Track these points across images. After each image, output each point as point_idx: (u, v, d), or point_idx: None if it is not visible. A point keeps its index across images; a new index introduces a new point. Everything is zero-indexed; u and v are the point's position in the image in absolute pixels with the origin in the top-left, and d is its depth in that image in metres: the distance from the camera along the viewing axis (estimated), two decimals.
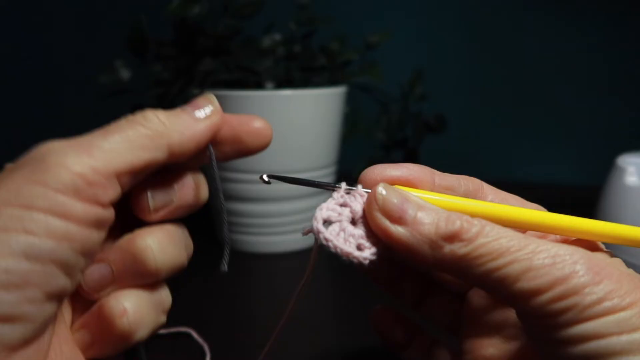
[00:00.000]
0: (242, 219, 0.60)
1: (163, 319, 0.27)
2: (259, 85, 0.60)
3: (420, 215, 0.23)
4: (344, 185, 0.25)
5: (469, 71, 0.91)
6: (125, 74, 0.61)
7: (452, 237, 0.22)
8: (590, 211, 0.53)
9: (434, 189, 0.26)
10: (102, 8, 0.91)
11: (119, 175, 0.22)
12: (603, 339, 0.20)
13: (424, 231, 0.23)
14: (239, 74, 0.60)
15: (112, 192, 0.22)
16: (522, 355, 0.26)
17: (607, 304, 0.20)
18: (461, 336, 0.28)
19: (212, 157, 0.26)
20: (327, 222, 0.24)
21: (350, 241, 0.24)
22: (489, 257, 0.22)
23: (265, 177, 0.25)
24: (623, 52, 0.85)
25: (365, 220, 0.24)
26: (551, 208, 0.27)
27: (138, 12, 0.57)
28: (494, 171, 0.89)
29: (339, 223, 0.24)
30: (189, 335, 0.43)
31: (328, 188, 0.25)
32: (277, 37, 0.63)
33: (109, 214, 0.22)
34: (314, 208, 0.25)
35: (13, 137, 0.83)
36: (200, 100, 0.26)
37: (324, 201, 0.25)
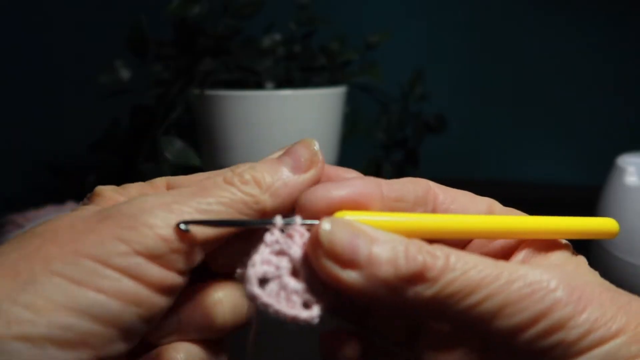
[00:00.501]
0: None
1: None
2: (259, 85, 0.60)
3: (376, 251, 0.20)
4: (278, 221, 0.21)
5: (469, 71, 0.91)
6: (125, 74, 0.61)
7: (414, 279, 0.19)
8: (590, 211, 0.53)
9: (383, 202, 0.23)
10: (102, 8, 0.91)
11: (204, 243, 0.21)
12: None
13: (381, 275, 0.19)
14: (239, 74, 0.60)
15: (194, 260, 0.21)
16: None
17: (594, 336, 0.19)
18: (417, 350, 0.25)
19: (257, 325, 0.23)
20: (264, 280, 0.20)
21: (293, 300, 0.20)
22: (459, 295, 0.19)
23: (182, 227, 0.20)
24: (623, 52, 0.85)
25: (306, 264, 0.21)
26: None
27: (138, 12, 0.57)
28: (494, 171, 0.89)
29: (277, 280, 0.20)
30: None
31: (258, 226, 0.21)
32: (277, 37, 0.63)
33: (184, 281, 0.21)
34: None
35: (13, 137, 0.83)
36: (299, 146, 0.24)
37: (256, 250, 0.21)
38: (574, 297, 0.20)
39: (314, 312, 0.20)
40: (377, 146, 0.75)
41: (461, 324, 0.20)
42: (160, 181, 0.25)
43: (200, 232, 0.20)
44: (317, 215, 0.21)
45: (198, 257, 0.21)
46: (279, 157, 0.24)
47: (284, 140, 0.58)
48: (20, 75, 0.91)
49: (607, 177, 0.53)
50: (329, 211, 0.22)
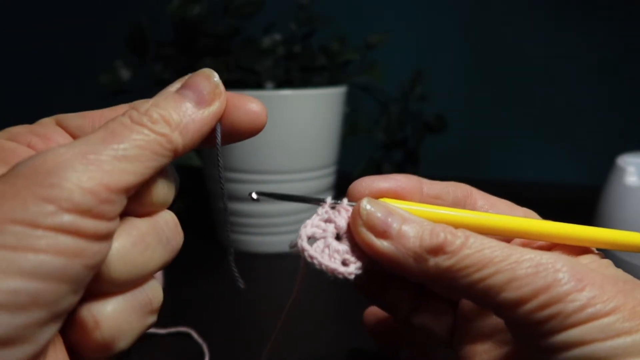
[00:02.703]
0: (242, 219, 0.60)
1: (151, 319, 0.24)
2: (259, 85, 0.60)
3: (405, 228, 0.23)
4: (329, 200, 0.25)
5: (469, 71, 0.91)
6: (125, 74, 0.61)
7: (436, 250, 0.22)
8: (590, 211, 0.53)
9: (422, 198, 0.26)
10: (102, 8, 0.91)
11: (128, 189, 0.21)
12: (587, 345, 0.20)
13: (408, 245, 0.23)
14: (239, 74, 0.60)
15: (121, 205, 0.21)
16: None
17: (590, 311, 0.20)
18: (455, 345, 0.29)
19: (218, 142, 0.24)
20: (312, 239, 0.24)
21: (335, 257, 0.24)
22: (473, 269, 0.22)
23: (254, 195, 0.25)
24: (624, 52, 0.85)
25: (350, 235, 0.25)
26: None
27: (138, 12, 0.57)
28: (494, 171, 0.89)
29: (323, 240, 0.24)
30: (188, 335, 0.43)
31: (313, 203, 0.26)
32: (277, 37, 0.63)
33: (116, 224, 0.21)
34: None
35: None
36: (199, 79, 0.23)
37: (309, 218, 0.25)
38: (576, 278, 0.21)
39: (350, 269, 0.24)
40: (377, 146, 0.75)
41: (471, 295, 0.23)
42: (48, 119, 0.24)
43: (124, 179, 0.20)
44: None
45: (124, 202, 0.21)
46: (180, 91, 0.23)
47: (283, 140, 0.58)
48: (21, 76, 0.91)
49: (607, 177, 0.53)
50: (373, 197, 0.25)
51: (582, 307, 0.20)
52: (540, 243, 0.26)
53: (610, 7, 0.84)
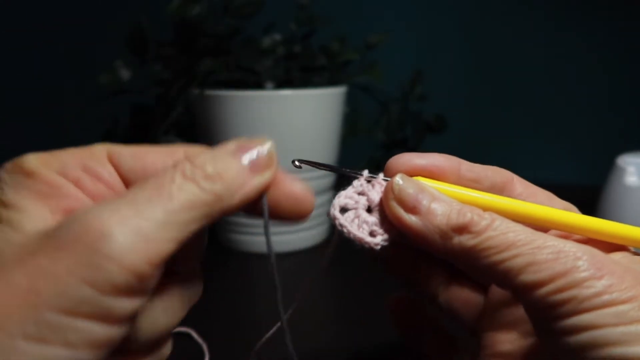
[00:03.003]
0: (242, 219, 0.60)
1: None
2: (259, 85, 0.60)
3: (434, 206, 0.24)
4: (365, 173, 0.26)
5: (469, 71, 0.91)
6: (125, 74, 0.61)
7: (461, 229, 0.23)
8: (590, 211, 0.53)
9: (459, 180, 0.26)
10: (102, 8, 0.91)
11: (168, 258, 0.20)
12: (599, 329, 0.20)
13: (435, 221, 0.23)
14: (239, 74, 0.60)
15: (158, 276, 0.20)
16: (538, 352, 0.26)
17: (605, 297, 0.20)
18: (480, 331, 0.29)
19: (266, 213, 0.24)
20: (344, 210, 0.26)
21: (363, 228, 0.25)
22: (495, 250, 0.22)
23: (297, 163, 0.26)
24: (623, 52, 0.85)
25: (381, 208, 0.25)
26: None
27: (138, 12, 0.57)
28: None
29: (354, 210, 0.26)
30: (188, 335, 0.43)
31: (351, 175, 0.27)
32: (277, 37, 0.63)
33: (148, 297, 0.20)
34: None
35: (13, 137, 0.83)
36: (255, 144, 0.23)
37: (344, 189, 0.26)
38: (595, 267, 0.21)
39: (377, 240, 0.25)
40: (377, 146, 0.75)
41: (492, 275, 0.23)
42: (100, 150, 0.23)
43: (166, 249, 0.19)
44: None
45: (161, 271, 0.20)
46: (236, 152, 0.22)
47: (284, 140, 0.58)
48: (21, 76, 0.91)
49: (607, 177, 0.53)
50: (409, 175, 0.26)
51: (598, 294, 0.21)
52: (576, 237, 0.26)
53: (611, 7, 0.84)
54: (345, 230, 0.25)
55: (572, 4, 0.86)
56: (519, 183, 0.28)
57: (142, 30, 0.57)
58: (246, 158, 0.22)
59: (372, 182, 0.26)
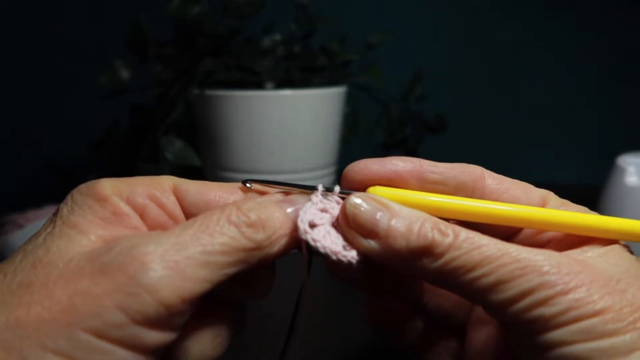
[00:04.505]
0: None
1: None
2: (259, 85, 0.60)
3: (393, 224, 0.22)
4: (320, 188, 0.24)
5: (469, 71, 0.91)
6: (125, 74, 0.61)
7: (422, 253, 0.22)
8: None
9: (422, 184, 0.25)
10: (102, 8, 0.91)
11: (200, 297, 0.20)
12: (569, 346, 0.20)
13: (395, 246, 0.22)
14: (239, 74, 0.60)
15: (189, 313, 0.20)
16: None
17: (573, 313, 0.20)
18: (469, 327, 0.28)
19: (308, 270, 0.24)
20: (312, 225, 0.23)
21: (336, 242, 0.23)
22: (461, 271, 0.21)
23: (248, 184, 0.25)
24: (624, 52, 0.85)
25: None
26: None
27: (138, 12, 0.57)
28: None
29: (323, 226, 0.24)
30: None
31: (305, 192, 0.25)
32: (277, 37, 0.63)
33: (178, 334, 0.21)
34: None
35: (13, 137, 0.83)
36: (300, 198, 0.24)
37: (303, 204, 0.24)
38: (563, 281, 0.21)
39: (352, 253, 0.23)
40: (377, 146, 0.75)
41: (462, 294, 0.22)
42: (167, 182, 0.24)
43: (199, 288, 0.20)
44: (356, 185, 0.25)
45: (192, 309, 0.20)
46: (281, 203, 0.23)
47: (284, 140, 0.58)
48: (21, 76, 0.91)
49: (607, 177, 0.53)
50: (366, 183, 0.24)
51: (565, 310, 0.20)
52: (550, 234, 0.26)
53: (611, 8, 0.84)
54: (319, 244, 0.23)
55: (572, 5, 0.86)
56: (490, 179, 0.26)
57: (142, 30, 0.57)
58: (291, 209, 0.23)
59: (329, 198, 0.25)
